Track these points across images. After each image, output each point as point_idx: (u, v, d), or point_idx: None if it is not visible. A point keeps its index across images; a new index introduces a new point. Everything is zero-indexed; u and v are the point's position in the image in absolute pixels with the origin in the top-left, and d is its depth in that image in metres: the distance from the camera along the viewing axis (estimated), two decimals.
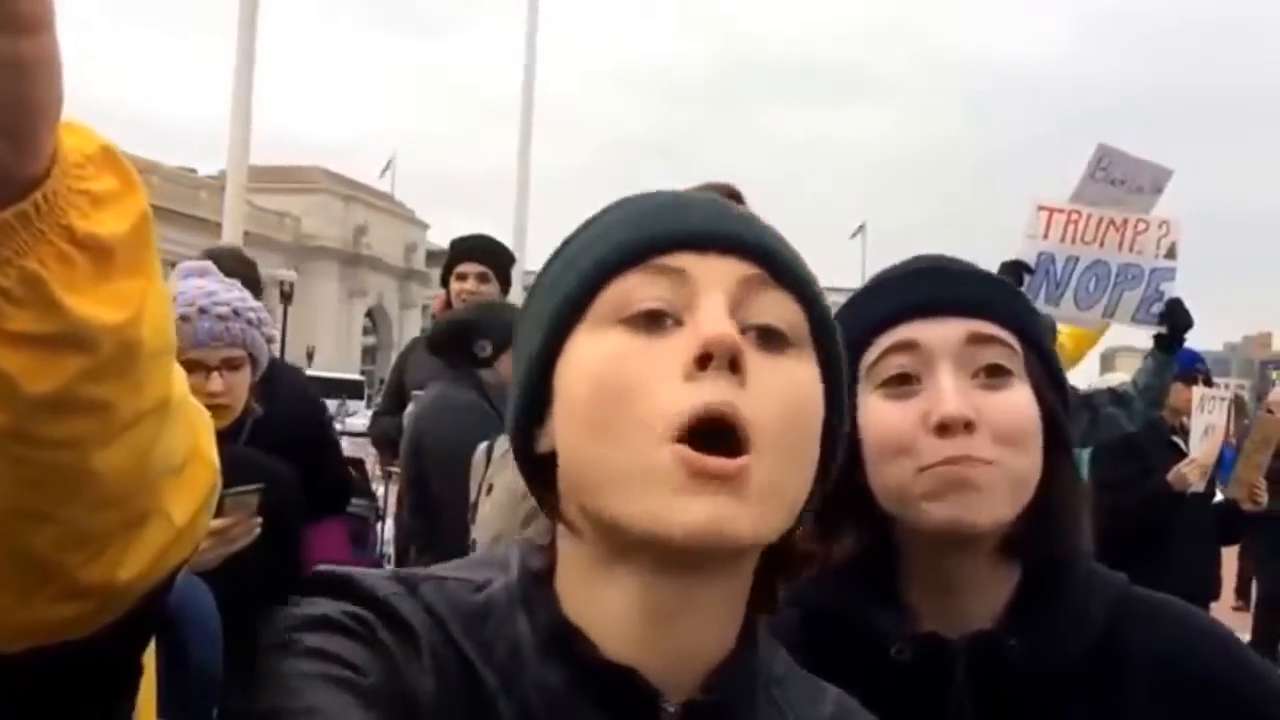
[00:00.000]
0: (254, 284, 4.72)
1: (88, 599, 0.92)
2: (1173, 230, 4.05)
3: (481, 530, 3.57)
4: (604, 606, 1.05)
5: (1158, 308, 4.04)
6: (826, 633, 1.45)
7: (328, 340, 67.25)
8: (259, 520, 3.05)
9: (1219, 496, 6.79)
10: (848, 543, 1.46)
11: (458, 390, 4.83)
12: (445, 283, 6.05)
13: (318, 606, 1.03)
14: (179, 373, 0.95)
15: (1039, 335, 1.49)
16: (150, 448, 0.89)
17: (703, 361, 0.97)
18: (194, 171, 62.24)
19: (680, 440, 0.95)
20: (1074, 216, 4.00)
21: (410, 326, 68.75)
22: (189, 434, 0.98)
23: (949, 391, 1.38)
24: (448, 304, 5.94)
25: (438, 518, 4.66)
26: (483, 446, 3.78)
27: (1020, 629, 1.41)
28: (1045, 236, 4.00)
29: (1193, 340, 4.39)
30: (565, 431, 1.03)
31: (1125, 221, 4.02)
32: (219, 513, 2.93)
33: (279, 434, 3.56)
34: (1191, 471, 6.08)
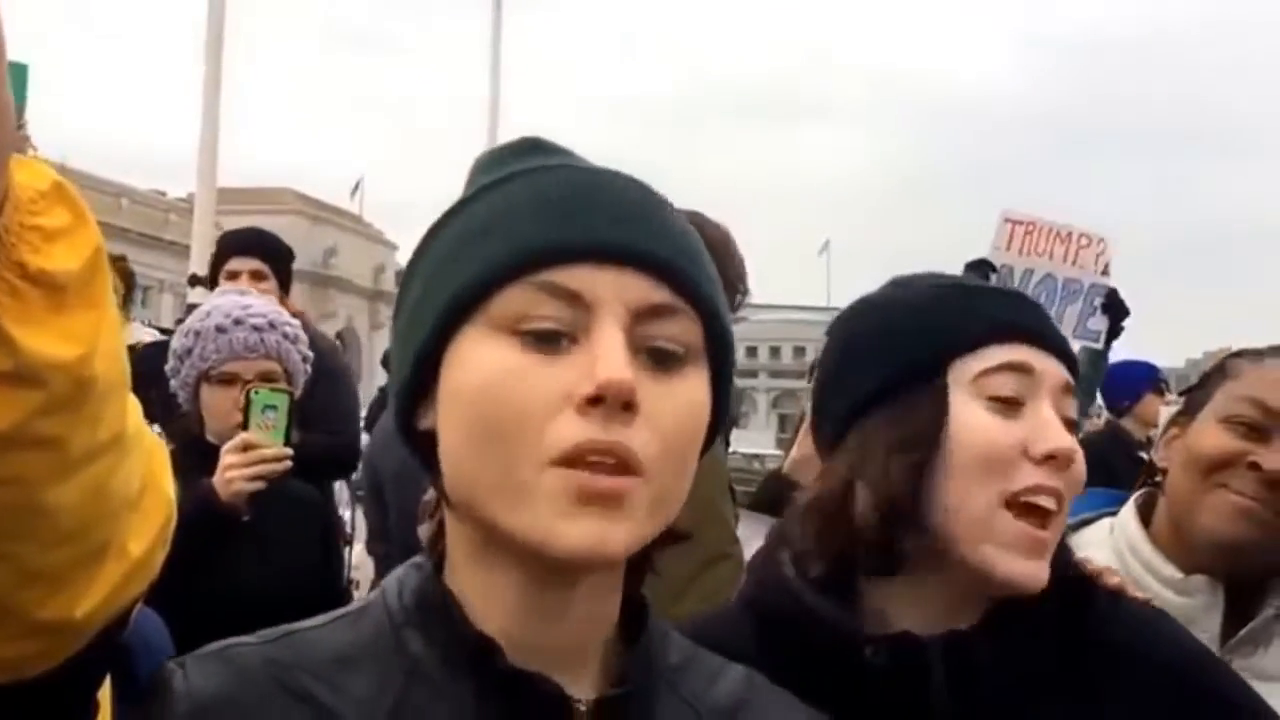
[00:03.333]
0: None
1: (43, 636, 0.91)
2: (1109, 249, 4.11)
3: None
4: (488, 599, 1.07)
5: (1094, 322, 4.09)
6: (786, 638, 1.44)
7: None
8: (288, 453, 2.99)
9: None
10: (869, 537, 1.44)
11: None
12: (214, 282, 5.23)
13: None
14: (134, 404, 0.95)
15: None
16: (106, 482, 0.88)
17: (595, 401, 0.96)
18: (163, 194, 61.96)
19: (565, 464, 0.97)
20: (1030, 228, 4.06)
21: (380, 348, 68.33)
22: (145, 465, 0.98)
23: (1060, 426, 1.40)
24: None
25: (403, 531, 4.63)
26: None
27: (993, 628, 1.42)
28: (1008, 249, 4.05)
29: (1155, 357, 4.45)
30: (450, 430, 1.03)
31: (1070, 235, 4.08)
32: (245, 414, 2.94)
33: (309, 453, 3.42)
34: None
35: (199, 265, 12.57)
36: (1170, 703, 1.44)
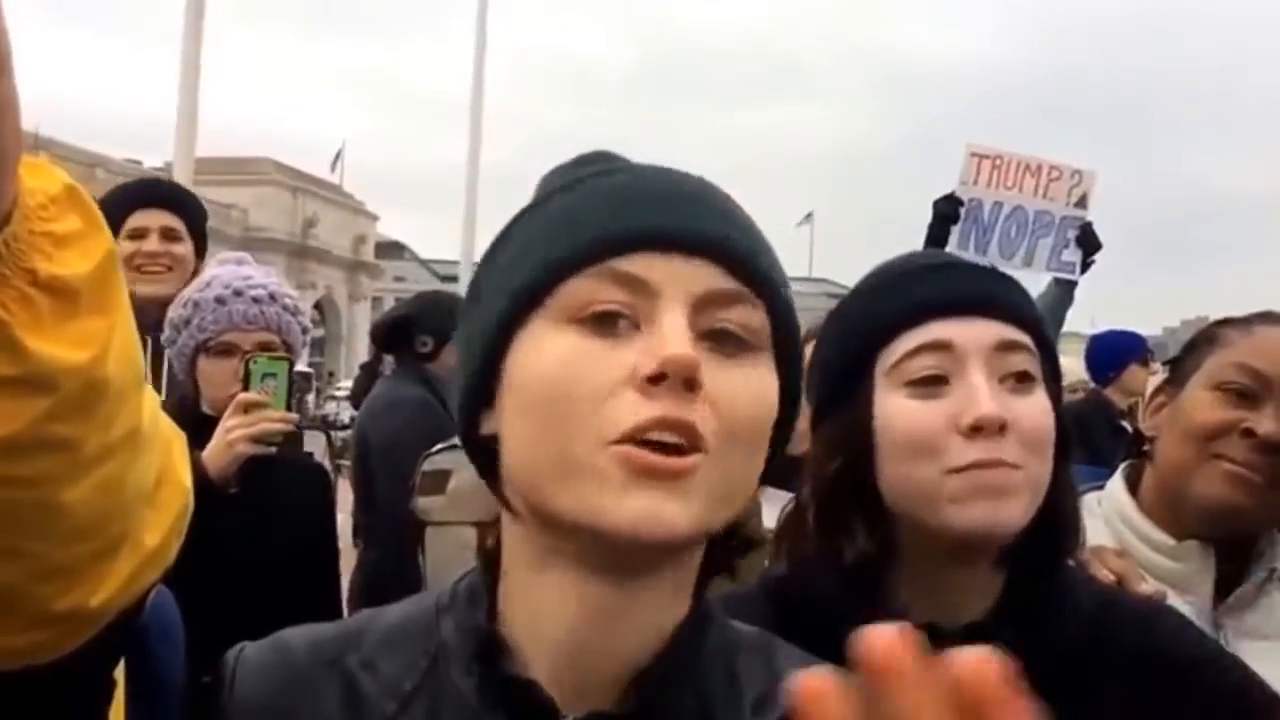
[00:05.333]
0: None
1: (58, 626, 0.94)
2: (1086, 181, 4.12)
3: (439, 512, 3.58)
4: (541, 602, 1.05)
5: (1068, 254, 4.10)
6: (806, 628, 1.40)
7: None
8: (293, 417, 3.00)
9: None
10: (861, 541, 1.45)
11: (401, 386, 4.83)
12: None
13: None
14: (150, 397, 0.96)
15: (1051, 339, 1.49)
16: (122, 479, 0.90)
17: (657, 379, 0.95)
18: (139, 164, 61.51)
19: (625, 443, 0.95)
20: (997, 162, 4.07)
21: (359, 319, 68.11)
22: (162, 457, 1.00)
23: (984, 393, 1.37)
24: None
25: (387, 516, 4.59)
26: None
27: (1012, 623, 1.42)
28: (975, 182, 4.06)
29: (1133, 326, 4.45)
30: (512, 423, 1.02)
31: (1040, 167, 4.10)
32: (245, 383, 2.92)
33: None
34: None
35: None
36: (1175, 701, 1.44)
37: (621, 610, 1.04)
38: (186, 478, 1.06)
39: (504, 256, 1.08)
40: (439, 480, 3.68)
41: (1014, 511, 1.38)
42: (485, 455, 1.07)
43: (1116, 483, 2.15)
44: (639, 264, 0.99)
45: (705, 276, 1.00)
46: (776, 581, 1.57)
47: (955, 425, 1.38)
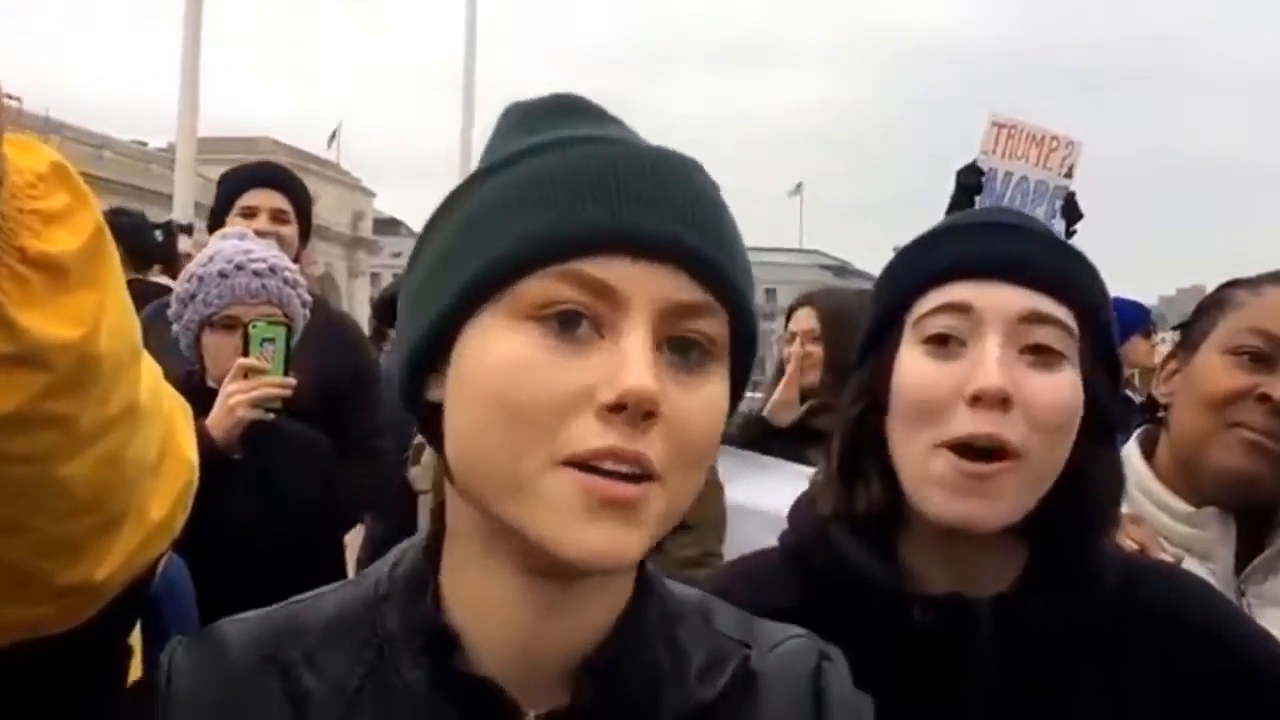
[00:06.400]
0: None
1: (65, 599, 0.94)
2: (1075, 151, 4.14)
3: (421, 480, 3.57)
4: (489, 594, 1.03)
5: (1055, 224, 4.12)
6: (833, 595, 1.43)
7: None
8: (291, 382, 3.00)
9: None
10: (875, 490, 1.44)
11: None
12: (218, 225, 4.06)
13: None
14: (151, 368, 0.97)
15: (1102, 314, 1.43)
16: (121, 453, 0.90)
17: (617, 408, 0.91)
18: (144, 145, 61.43)
19: (577, 466, 0.92)
20: (1012, 131, 4.07)
21: (359, 294, 68.03)
22: (164, 429, 1.00)
23: (991, 362, 1.32)
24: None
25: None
26: None
27: (1038, 592, 1.40)
28: (993, 152, 4.07)
29: (1128, 294, 4.44)
30: (457, 408, 0.99)
31: (1043, 138, 4.11)
32: (244, 348, 2.94)
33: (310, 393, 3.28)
34: None
35: (181, 214, 12.55)
36: (1203, 667, 1.42)
37: (571, 606, 1.03)
38: (191, 450, 1.06)
39: (464, 218, 1.01)
40: (419, 449, 3.70)
41: (998, 509, 1.35)
42: (429, 418, 1.04)
43: (1132, 451, 2.13)
44: (609, 270, 0.94)
45: (673, 286, 0.95)
46: (796, 548, 1.55)
47: (961, 391, 1.34)
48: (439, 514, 1.09)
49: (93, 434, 0.86)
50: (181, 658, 1.04)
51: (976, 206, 4.13)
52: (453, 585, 1.05)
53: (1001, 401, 1.32)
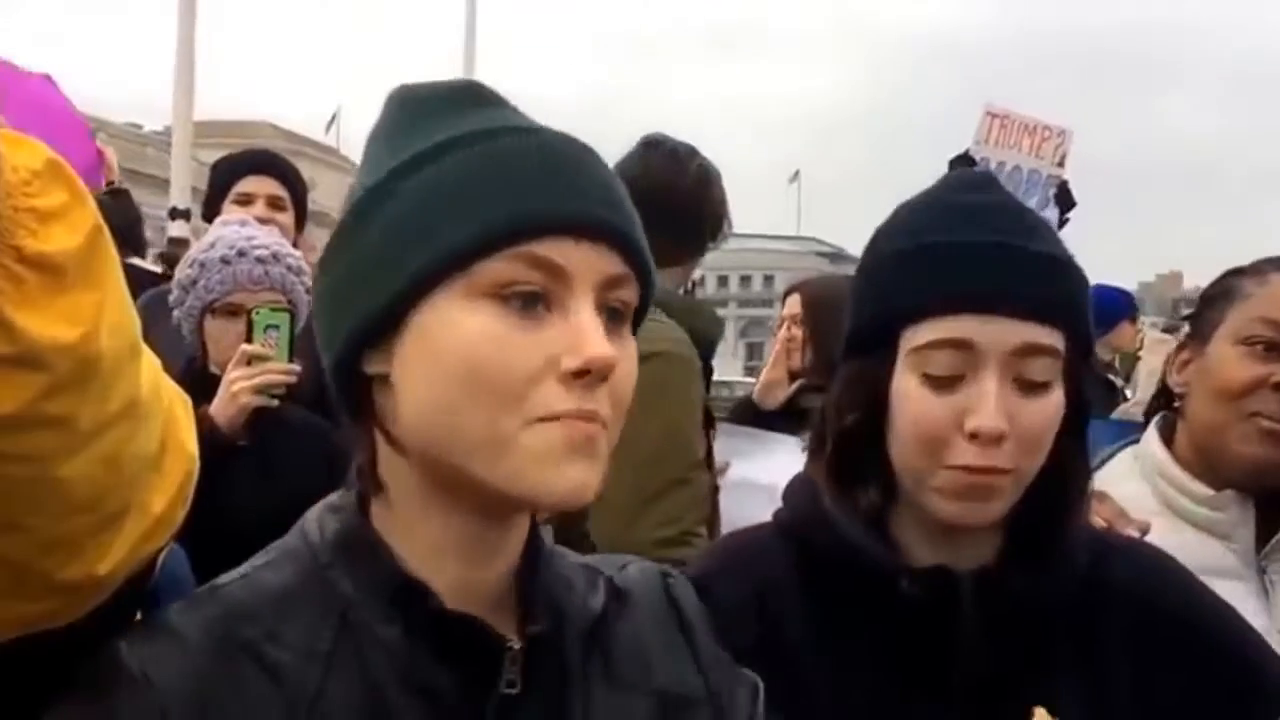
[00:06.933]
0: None
1: (67, 594, 0.95)
2: (1067, 141, 4.15)
3: None
4: (435, 538, 1.12)
5: (1047, 213, 4.13)
6: (825, 567, 1.51)
7: None
8: (296, 368, 2.97)
9: None
10: (873, 493, 1.50)
11: None
12: (212, 212, 4.15)
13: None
14: (151, 362, 0.96)
15: (1086, 325, 1.49)
16: (120, 451, 0.90)
17: (581, 374, 1.03)
18: (139, 128, 61.19)
19: (548, 421, 1.04)
20: (1005, 121, 4.08)
21: None
22: (165, 423, 0.99)
23: (992, 403, 1.39)
24: None
25: None
26: None
27: (1020, 569, 1.47)
28: (987, 141, 4.08)
29: (1107, 279, 4.48)
30: (417, 384, 1.06)
31: (1035, 127, 4.13)
32: (248, 335, 2.92)
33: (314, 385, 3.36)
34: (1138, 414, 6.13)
35: (178, 198, 12.50)
36: (1177, 653, 1.49)
37: (506, 542, 1.16)
38: (191, 441, 1.06)
39: (401, 206, 1.07)
40: None
41: (994, 510, 1.44)
42: (358, 389, 1.12)
43: (1152, 439, 2.20)
44: (558, 251, 1.05)
45: (607, 262, 1.08)
46: (791, 525, 1.62)
47: (959, 423, 1.41)
48: (367, 476, 1.15)
49: (92, 433, 0.85)
50: (144, 656, 1.03)
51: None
52: (400, 540, 1.13)
53: (998, 439, 1.39)
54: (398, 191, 1.08)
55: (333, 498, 1.20)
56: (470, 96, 1.16)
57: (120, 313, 0.87)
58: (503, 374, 1.03)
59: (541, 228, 1.04)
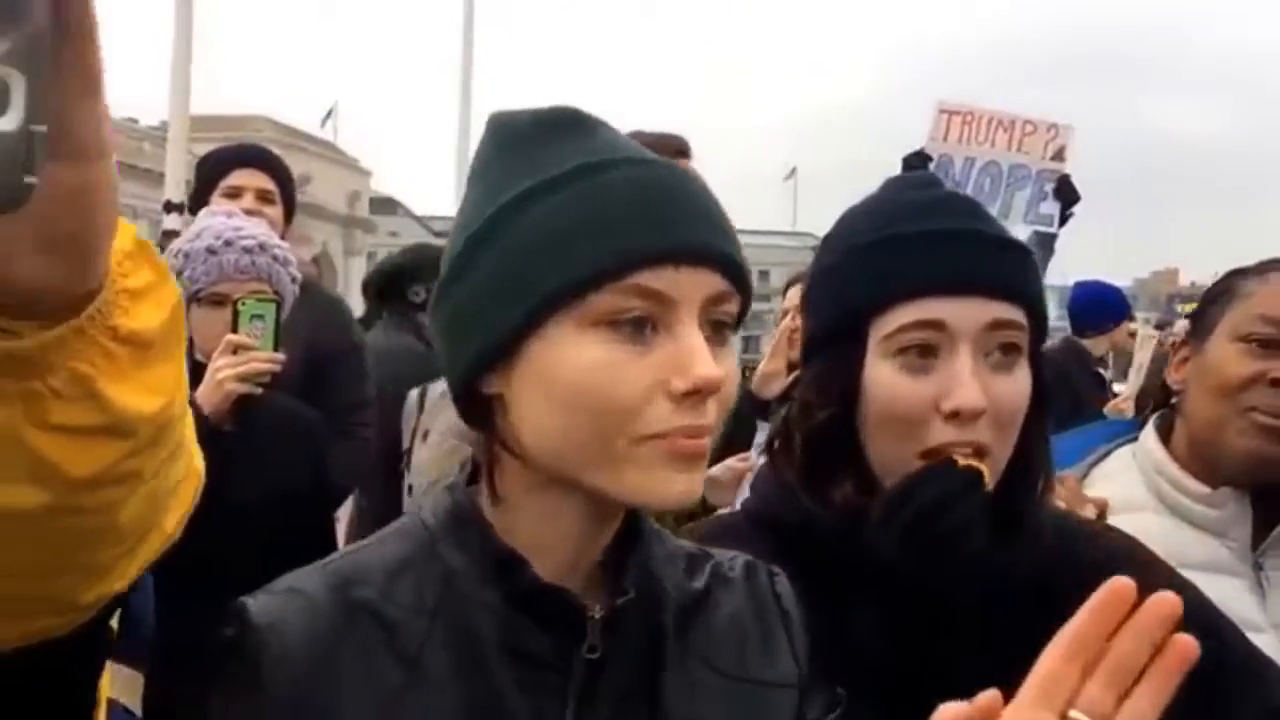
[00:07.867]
0: None
1: (83, 611, 0.97)
2: (1062, 135, 4.14)
3: (418, 475, 3.54)
4: (543, 523, 1.22)
5: (1045, 207, 4.13)
6: (804, 556, 1.49)
7: None
8: (280, 357, 3.00)
9: None
10: (847, 489, 1.52)
11: (393, 335, 4.83)
12: (199, 205, 4.04)
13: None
14: (183, 392, 0.97)
15: (1044, 308, 1.54)
16: (161, 486, 0.94)
17: (691, 394, 1.11)
18: (135, 122, 61.27)
19: (659, 438, 1.12)
20: (968, 118, 4.07)
21: (355, 274, 67.97)
22: (188, 450, 1.01)
23: (969, 380, 1.42)
24: None
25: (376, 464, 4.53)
26: (414, 393, 3.68)
27: (999, 547, 1.48)
28: (945, 139, 4.07)
29: (1103, 276, 4.50)
30: (534, 405, 1.16)
31: (1013, 122, 4.11)
32: (233, 325, 2.94)
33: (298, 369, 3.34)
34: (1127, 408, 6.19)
35: (174, 192, 12.48)
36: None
37: (604, 530, 1.25)
38: (199, 458, 1.07)
39: (525, 237, 1.15)
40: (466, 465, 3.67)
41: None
42: (480, 407, 1.22)
43: (1150, 437, 2.22)
44: (662, 279, 1.12)
45: (709, 283, 1.15)
46: (761, 511, 1.65)
47: (937, 406, 1.43)
48: (486, 474, 1.26)
49: (150, 479, 0.91)
50: (269, 611, 1.17)
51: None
52: (506, 523, 1.23)
53: (976, 416, 1.43)
54: (508, 230, 1.16)
55: (446, 480, 1.31)
56: (574, 122, 1.23)
57: (184, 379, 0.93)
58: (615, 400, 1.11)
59: (645, 260, 1.12)
